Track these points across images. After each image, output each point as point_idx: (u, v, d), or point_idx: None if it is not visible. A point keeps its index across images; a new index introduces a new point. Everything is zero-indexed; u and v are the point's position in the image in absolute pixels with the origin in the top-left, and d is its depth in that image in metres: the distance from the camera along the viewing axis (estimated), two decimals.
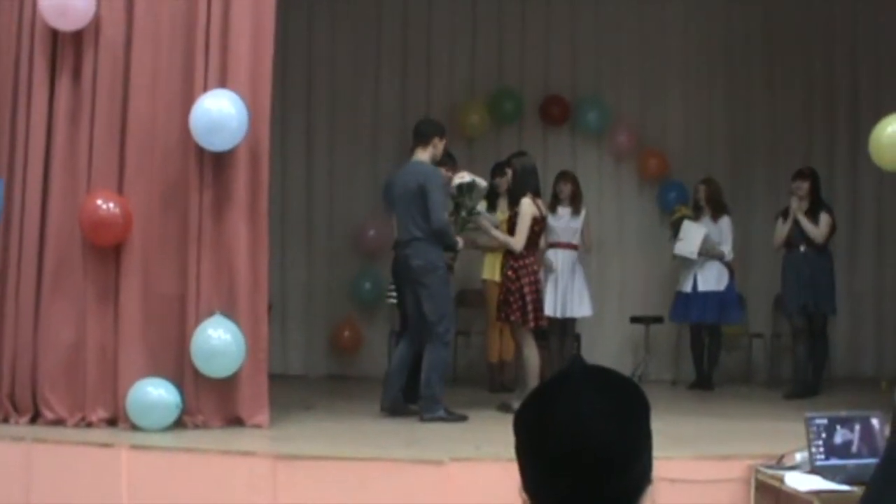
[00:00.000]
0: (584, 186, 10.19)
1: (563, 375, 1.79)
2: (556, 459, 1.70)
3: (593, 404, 1.71)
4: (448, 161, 8.60)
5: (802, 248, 9.36)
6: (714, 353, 10.07)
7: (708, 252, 9.82)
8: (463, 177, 8.29)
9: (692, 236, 9.84)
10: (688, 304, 9.98)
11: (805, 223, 9.30)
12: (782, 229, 9.45)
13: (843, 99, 11.10)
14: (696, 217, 10.00)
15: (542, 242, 8.95)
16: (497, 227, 8.57)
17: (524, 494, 1.78)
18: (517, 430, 1.78)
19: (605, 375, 1.80)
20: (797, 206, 9.34)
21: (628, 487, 1.73)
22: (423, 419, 7.57)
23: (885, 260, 10.87)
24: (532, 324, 8.13)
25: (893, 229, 10.56)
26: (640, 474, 1.75)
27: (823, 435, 5.41)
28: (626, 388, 1.79)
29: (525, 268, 8.16)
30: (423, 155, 7.93)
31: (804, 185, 9.39)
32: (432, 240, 7.75)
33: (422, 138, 7.98)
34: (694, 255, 9.80)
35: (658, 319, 10.54)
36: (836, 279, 9.56)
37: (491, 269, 9.53)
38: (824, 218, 9.35)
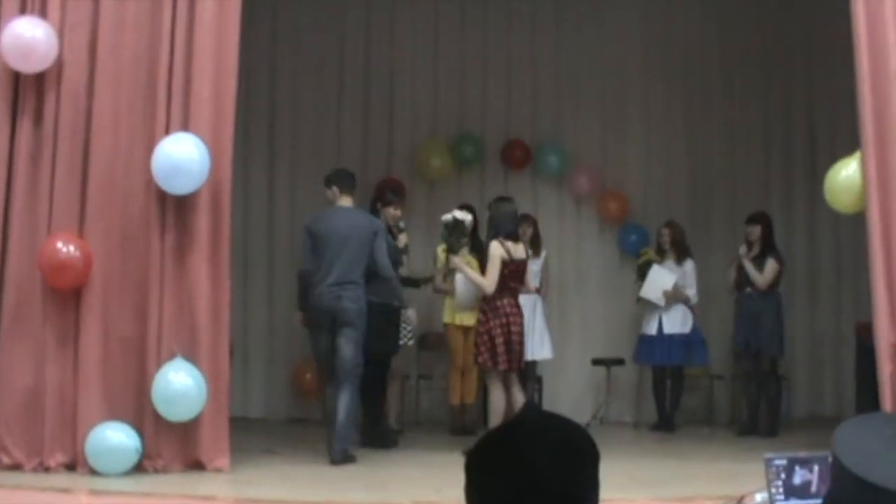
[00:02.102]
0: (545, 229, 10.27)
1: (516, 422, 1.81)
2: (510, 500, 1.71)
3: (546, 451, 1.73)
4: (394, 198, 8.67)
5: (748, 290, 9.60)
6: (676, 394, 10.12)
7: (675, 296, 9.91)
8: (452, 215, 8.41)
9: (661, 281, 9.91)
10: (652, 347, 10.04)
11: (749, 268, 9.56)
12: (730, 273, 9.76)
13: (800, 142, 11.24)
14: (659, 260, 10.09)
15: (528, 283, 8.87)
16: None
17: None
18: (469, 473, 1.79)
19: (557, 423, 1.82)
20: (743, 252, 9.60)
21: None
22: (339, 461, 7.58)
23: (844, 301, 10.96)
24: (504, 366, 8.11)
25: (851, 271, 10.66)
26: None
27: (783, 475, 5.42)
28: (578, 436, 1.81)
29: (496, 310, 8.17)
30: (350, 202, 8.18)
31: (756, 230, 9.64)
32: (365, 286, 7.90)
33: (352, 187, 8.23)
34: (661, 302, 9.88)
35: (619, 361, 10.58)
36: (784, 321, 9.75)
37: (451, 313, 9.57)
38: (770, 263, 9.58)
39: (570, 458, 1.76)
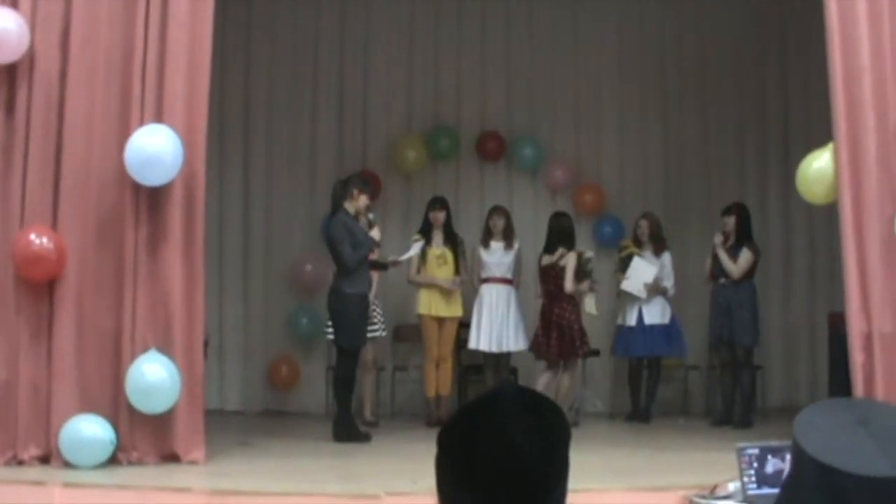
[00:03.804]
0: (520, 221, 10.30)
1: (492, 395, 1.81)
2: (484, 480, 1.71)
3: (523, 425, 1.73)
4: (364, 186, 8.71)
5: (722, 281, 9.66)
6: (653, 386, 10.16)
7: (654, 289, 9.95)
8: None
9: (642, 274, 9.95)
10: (631, 338, 10.07)
11: (723, 258, 9.63)
12: (706, 263, 9.83)
13: (774, 133, 11.30)
14: (641, 254, 10.11)
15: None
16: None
17: None
18: (443, 448, 1.78)
19: (533, 398, 1.81)
20: (719, 242, 9.66)
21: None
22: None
23: (818, 291, 11.04)
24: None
25: (825, 261, 10.73)
26: (561, 496, 1.77)
27: (755, 464, 5.48)
28: (553, 410, 1.81)
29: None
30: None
31: (730, 221, 9.71)
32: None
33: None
34: (643, 294, 9.92)
35: (595, 353, 10.61)
36: (758, 311, 9.79)
37: (427, 305, 9.59)
38: (744, 253, 9.64)
39: (546, 432, 1.75)
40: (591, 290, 9.67)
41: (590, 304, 9.70)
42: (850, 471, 1.66)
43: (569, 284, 9.54)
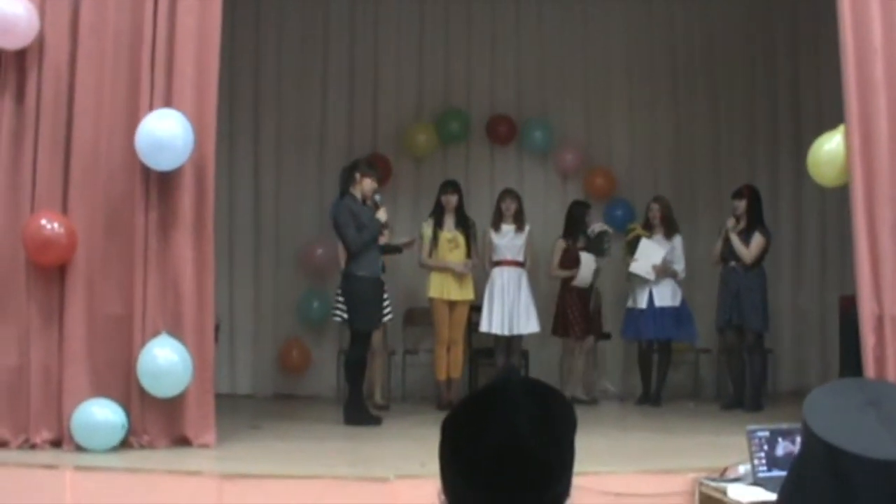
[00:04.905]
0: (531, 205, 10.30)
1: (498, 385, 1.80)
2: (487, 468, 1.70)
3: (528, 416, 1.72)
4: (368, 170, 8.73)
5: (732, 264, 9.60)
6: (663, 369, 10.14)
7: (664, 271, 9.94)
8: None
9: (650, 255, 9.94)
10: (641, 321, 10.05)
11: (735, 242, 9.57)
12: (716, 246, 9.74)
13: (785, 116, 11.26)
14: (648, 234, 10.10)
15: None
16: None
17: (443, 497, 1.79)
18: (447, 436, 1.77)
19: (538, 386, 1.81)
20: (731, 226, 9.59)
21: (555, 498, 1.75)
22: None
23: (829, 275, 11.02)
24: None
25: (836, 245, 10.71)
26: (566, 486, 1.76)
27: (765, 447, 5.49)
28: (558, 399, 1.80)
29: None
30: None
31: (741, 204, 9.63)
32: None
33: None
34: (651, 276, 9.91)
35: (606, 336, 10.62)
36: (767, 295, 9.73)
37: (438, 288, 9.58)
38: (756, 238, 9.56)
39: (552, 422, 1.75)
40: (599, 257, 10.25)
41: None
42: (856, 452, 1.65)
43: (553, 271, 10.26)
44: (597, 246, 10.20)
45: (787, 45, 11.30)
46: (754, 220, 9.63)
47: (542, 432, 1.72)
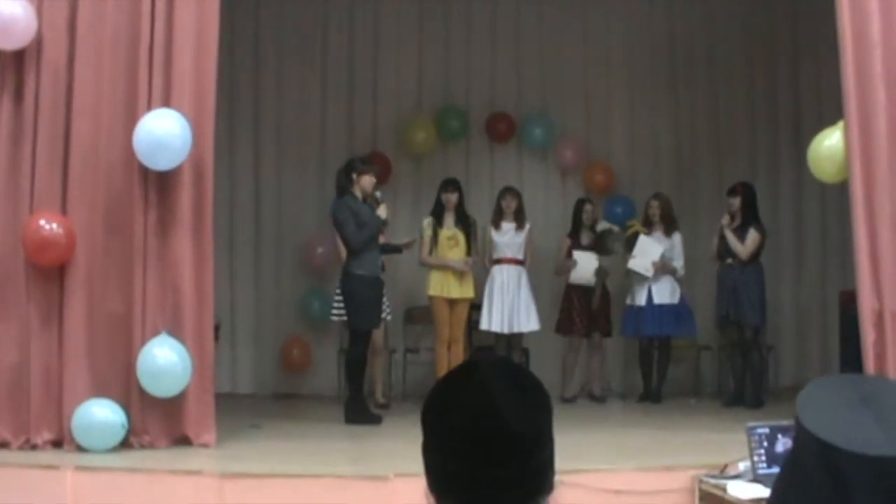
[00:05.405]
0: (530, 202, 10.30)
1: (470, 364, 1.84)
2: (466, 441, 1.72)
3: (503, 387, 1.75)
4: (365, 167, 8.70)
5: (729, 261, 9.61)
6: (663, 366, 10.15)
7: (663, 268, 9.93)
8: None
9: (649, 252, 9.93)
10: (641, 318, 10.05)
11: (730, 238, 9.61)
12: (713, 243, 9.76)
13: (785, 112, 11.26)
14: (647, 232, 10.10)
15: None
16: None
17: (430, 497, 1.79)
18: (426, 417, 1.80)
19: (512, 365, 1.86)
20: (726, 223, 9.62)
21: (535, 476, 1.75)
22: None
23: (829, 271, 11.01)
24: None
25: (837, 239, 10.70)
26: (544, 465, 1.77)
27: (765, 444, 5.49)
28: (531, 378, 1.83)
29: None
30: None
31: (735, 201, 9.68)
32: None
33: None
34: (650, 273, 9.91)
35: (607, 333, 10.62)
36: (765, 292, 9.75)
37: (438, 286, 9.58)
38: (752, 234, 9.60)
39: (527, 394, 1.77)
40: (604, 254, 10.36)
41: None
42: (848, 448, 1.64)
43: (558, 270, 10.44)
44: (601, 244, 10.19)
45: (787, 41, 11.29)
46: (749, 217, 9.66)
47: (515, 401, 1.74)
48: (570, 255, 10.22)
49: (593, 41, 11.28)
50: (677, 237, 10.14)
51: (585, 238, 10.29)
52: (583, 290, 10.19)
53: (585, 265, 10.14)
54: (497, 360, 1.83)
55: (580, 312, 10.16)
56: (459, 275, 9.61)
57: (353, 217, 8.36)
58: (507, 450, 1.71)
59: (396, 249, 9.29)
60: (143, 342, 6.82)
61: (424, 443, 1.80)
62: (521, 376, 1.81)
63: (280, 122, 11.04)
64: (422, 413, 1.81)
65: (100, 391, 6.85)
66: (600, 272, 10.21)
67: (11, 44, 6.92)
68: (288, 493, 5.91)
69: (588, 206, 10.41)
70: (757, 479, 5.39)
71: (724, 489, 5.50)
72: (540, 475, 1.76)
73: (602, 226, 10.36)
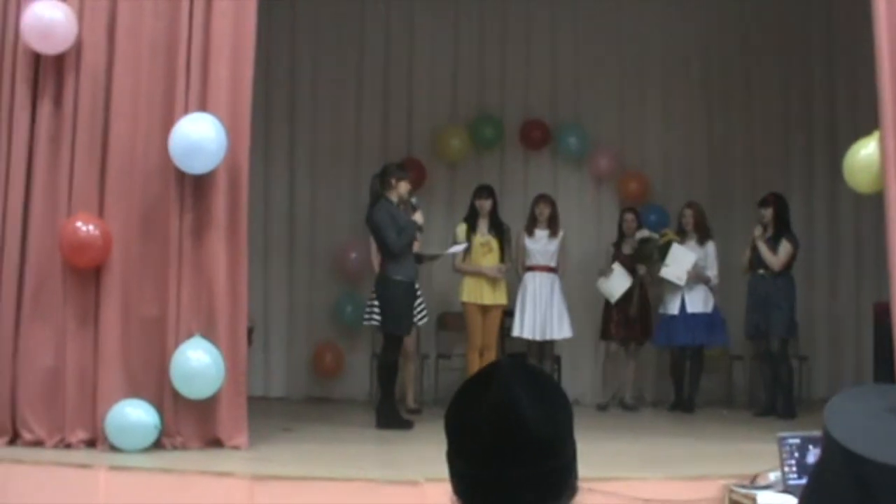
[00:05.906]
0: (565, 210, 10.30)
1: (492, 367, 1.85)
2: (485, 444, 1.74)
3: (524, 390, 1.76)
4: (401, 173, 8.71)
5: (761, 272, 9.60)
6: (695, 375, 10.12)
7: (696, 277, 9.90)
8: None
9: (682, 261, 9.90)
10: (673, 327, 10.02)
11: (763, 249, 9.57)
12: (745, 254, 9.75)
13: (820, 123, 11.20)
14: (680, 241, 10.07)
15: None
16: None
17: (455, 501, 1.81)
18: (449, 420, 1.82)
19: (532, 368, 1.88)
20: (759, 234, 9.59)
21: (556, 478, 1.77)
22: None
23: (863, 283, 10.94)
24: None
25: (871, 252, 10.62)
26: (565, 468, 1.79)
27: (796, 454, 5.47)
28: (551, 380, 1.87)
29: None
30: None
31: (767, 212, 9.64)
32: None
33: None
34: (682, 281, 9.87)
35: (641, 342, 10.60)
36: (795, 303, 9.71)
37: (471, 292, 9.59)
38: (784, 245, 9.57)
39: (548, 396, 1.79)
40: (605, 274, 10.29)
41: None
42: (875, 459, 1.64)
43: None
44: (640, 254, 10.18)
45: (822, 50, 11.24)
46: (781, 228, 9.62)
47: (537, 403, 1.75)
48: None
49: (628, 50, 11.27)
50: (711, 246, 10.11)
51: (627, 247, 10.26)
52: (620, 298, 10.17)
53: (615, 281, 10.10)
54: (515, 364, 1.84)
55: (618, 322, 10.15)
56: (492, 281, 9.62)
57: (392, 222, 8.39)
58: (527, 452, 1.73)
59: (418, 260, 9.15)
60: (177, 344, 6.88)
61: (448, 447, 1.83)
62: (540, 379, 1.83)
63: (315, 129, 11.10)
64: (444, 418, 1.83)
65: (134, 392, 6.91)
66: (636, 284, 10.16)
67: (52, 48, 7.00)
68: (318, 497, 5.93)
69: (628, 216, 10.37)
70: (787, 489, 5.37)
71: (754, 499, 5.49)
72: (560, 478, 1.78)
73: (642, 234, 10.31)
